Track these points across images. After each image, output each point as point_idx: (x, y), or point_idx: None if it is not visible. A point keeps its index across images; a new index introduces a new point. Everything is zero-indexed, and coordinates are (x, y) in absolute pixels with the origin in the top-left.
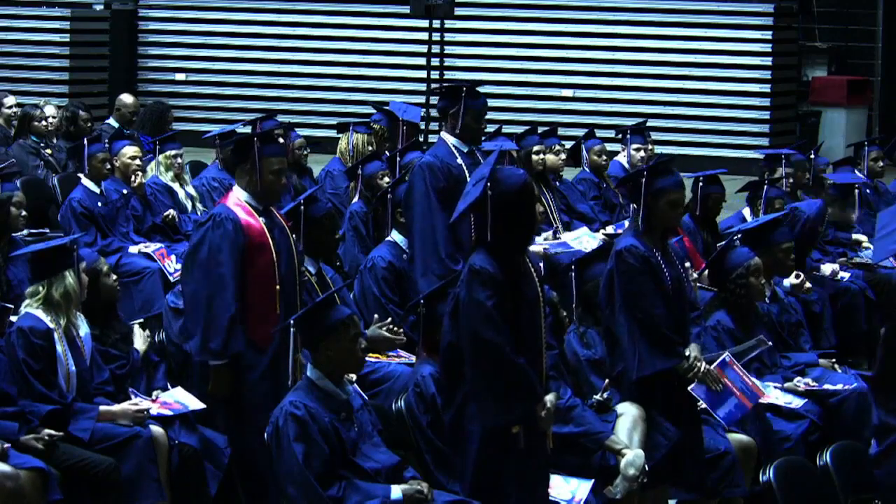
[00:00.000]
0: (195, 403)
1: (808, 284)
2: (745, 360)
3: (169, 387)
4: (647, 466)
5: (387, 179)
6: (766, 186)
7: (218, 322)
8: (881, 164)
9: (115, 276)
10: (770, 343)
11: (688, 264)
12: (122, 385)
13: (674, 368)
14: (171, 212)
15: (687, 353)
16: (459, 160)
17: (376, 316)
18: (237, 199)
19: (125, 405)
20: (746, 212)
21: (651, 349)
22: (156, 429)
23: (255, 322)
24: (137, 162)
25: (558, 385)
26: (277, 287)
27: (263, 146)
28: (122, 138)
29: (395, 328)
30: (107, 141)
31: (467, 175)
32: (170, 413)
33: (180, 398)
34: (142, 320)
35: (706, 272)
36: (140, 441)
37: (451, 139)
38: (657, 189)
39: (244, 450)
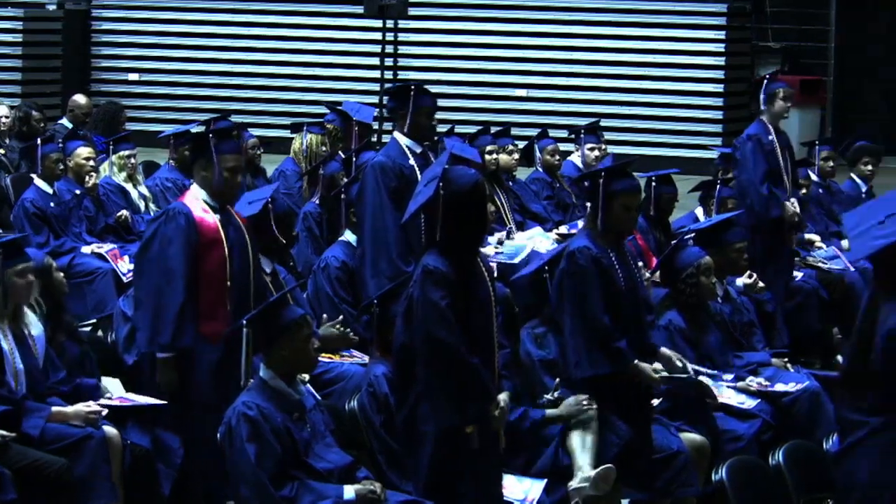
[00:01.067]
0: (155, 400)
1: (760, 284)
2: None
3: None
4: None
5: (345, 180)
6: (718, 186)
7: (166, 314)
8: (832, 163)
9: (62, 273)
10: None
11: (641, 263)
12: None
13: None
14: (124, 212)
15: (641, 366)
16: (412, 160)
17: (325, 315)
18: (194, 197)
19: (78, 406)
20: (699, 211)
21: (592, 351)
22: (109, 429)
23: (205, 318)
24: (91, 163)
25: (510, 384)
26: (228, 284)
27: (219, 143)
28: (76, 138)
29: (345, 328)
30: (60, 141)
31: (419, 176)
32: (131, 403)
33: (137, 398)
34: (94, 321)
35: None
36: (93, 442)
37: (403, 139)
38: (612, 191)
39: (196, 447)
